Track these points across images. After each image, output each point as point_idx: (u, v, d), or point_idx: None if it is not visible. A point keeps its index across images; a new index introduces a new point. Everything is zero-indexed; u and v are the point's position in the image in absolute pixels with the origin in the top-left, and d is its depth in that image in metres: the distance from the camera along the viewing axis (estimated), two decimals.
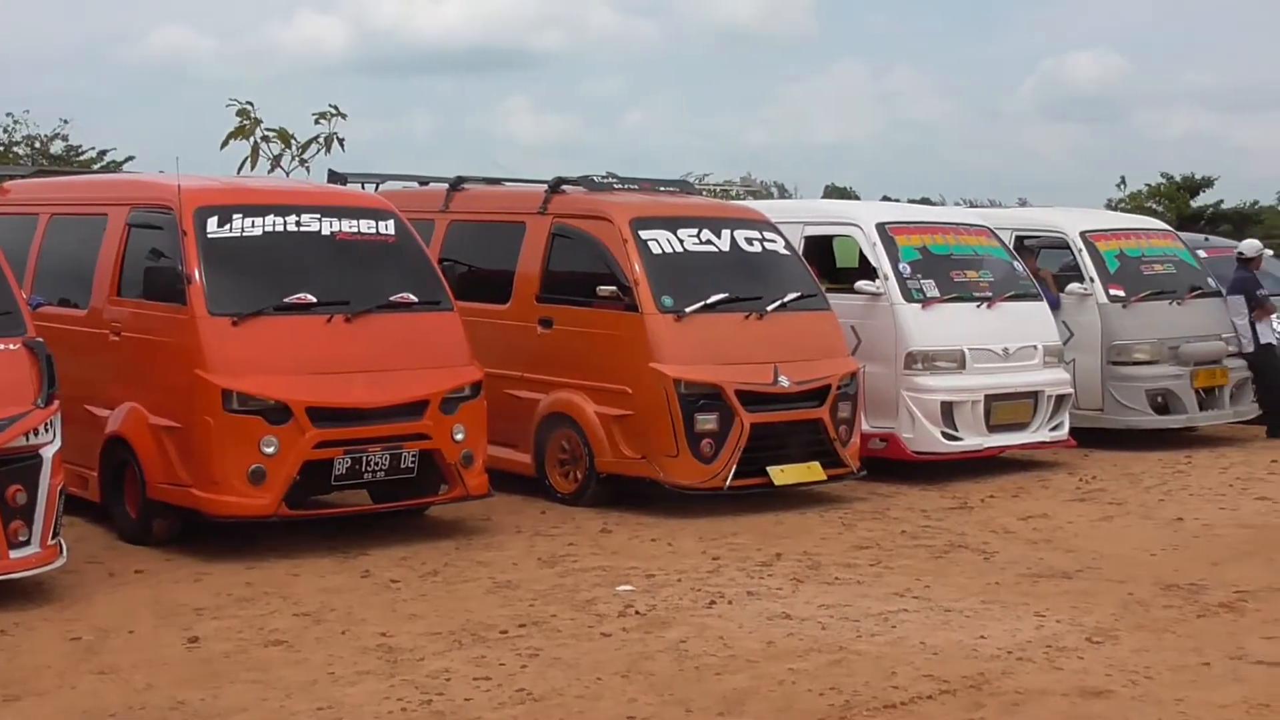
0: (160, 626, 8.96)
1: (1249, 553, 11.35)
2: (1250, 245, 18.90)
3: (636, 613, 9.26)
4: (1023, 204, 39.33)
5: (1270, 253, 20.85)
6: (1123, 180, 59.29)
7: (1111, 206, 50.05)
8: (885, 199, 43.00)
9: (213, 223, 11.16)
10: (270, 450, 10.60)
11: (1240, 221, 56.83)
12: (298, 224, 11.55)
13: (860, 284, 14.82)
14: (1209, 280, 18.08)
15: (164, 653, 8.41)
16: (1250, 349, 17.72)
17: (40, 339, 9.78)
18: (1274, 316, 18.06)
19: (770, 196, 48.37)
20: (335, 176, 15.20)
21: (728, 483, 12.56)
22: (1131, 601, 9.65)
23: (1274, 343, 17.94)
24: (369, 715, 7.34)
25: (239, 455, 10.57)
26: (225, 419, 10.58)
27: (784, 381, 12.84)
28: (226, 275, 11.03)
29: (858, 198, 53.41)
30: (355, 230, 11.80)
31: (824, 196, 55.28)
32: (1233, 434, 17.96)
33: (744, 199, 20.86)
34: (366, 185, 14.93)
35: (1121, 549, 11.44)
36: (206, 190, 11.65)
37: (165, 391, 10.96)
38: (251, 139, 20.01)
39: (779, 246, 13.96)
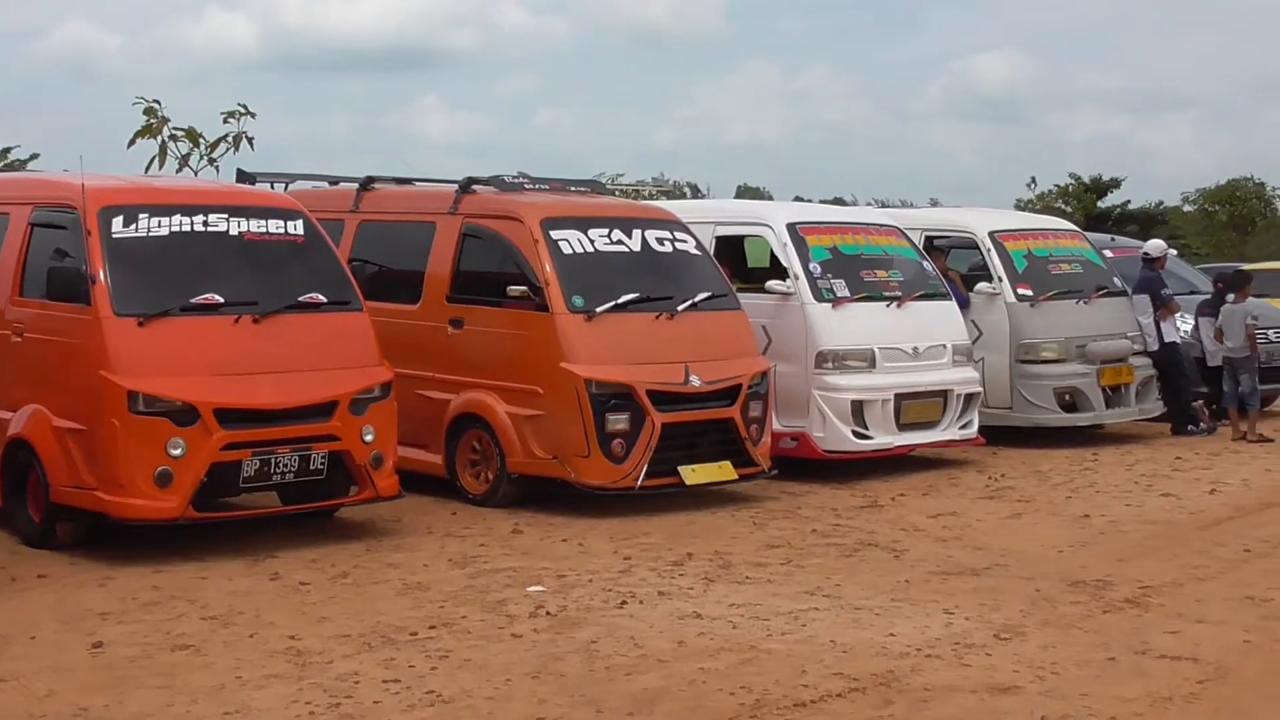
0: (63, 632, 8.85)
1: (1153, 549, 11.47)
2: (1155, 245, 19.14)
3: (547, 613, 9.24)
4: (934, 204, 39.63)
5: (1174, 253, 21.18)
6: (1033, 180, 59.98)
7: (1020, 207, 50.56)
8: (798, 199, 43.20)
9: (118, 222, 11.04)
10: (177, 452, 10.49)
11: (1146, 222, 57.58)
12: (205, 224, 11.44)
13: (771, 284, 14.86)
14: (1115, 280, 18.30)
15: (67, 659, 8.30)
16: (1155, 347, 17.96)
17: None
18: (1178, 315, 18.31)
19: (683, 196, 48.49)
20: (244, 176, 15.08)
21: (639, 482, 12.55)
22: (1039, 598, 9.72)
23: (1178, 341, 18.20)
24: (276, 719, 7.28)
25: (145, 457, 10.45)
26: (131, 421, 10.46)
27: (695, 381, 12.84)
28: (132, 275, 10.91)
29: (771, 198, 53.64)
30: (263, 230, 11.70)
31: (736, 196, 55.51)
32: (1138, 431, 18.16)
33: (656, 199, 20.89)
34: (275, 185, 14.85)
35: (1029, 546, 11.53)
36: (112, 189, 11.50)
37: (69, 393, 10.82)
38: (159, 138, 19.81)
39: (690, 246, 13.97)
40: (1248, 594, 9.88)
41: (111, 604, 9.49)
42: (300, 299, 11.48)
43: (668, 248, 13.77)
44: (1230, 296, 17.97)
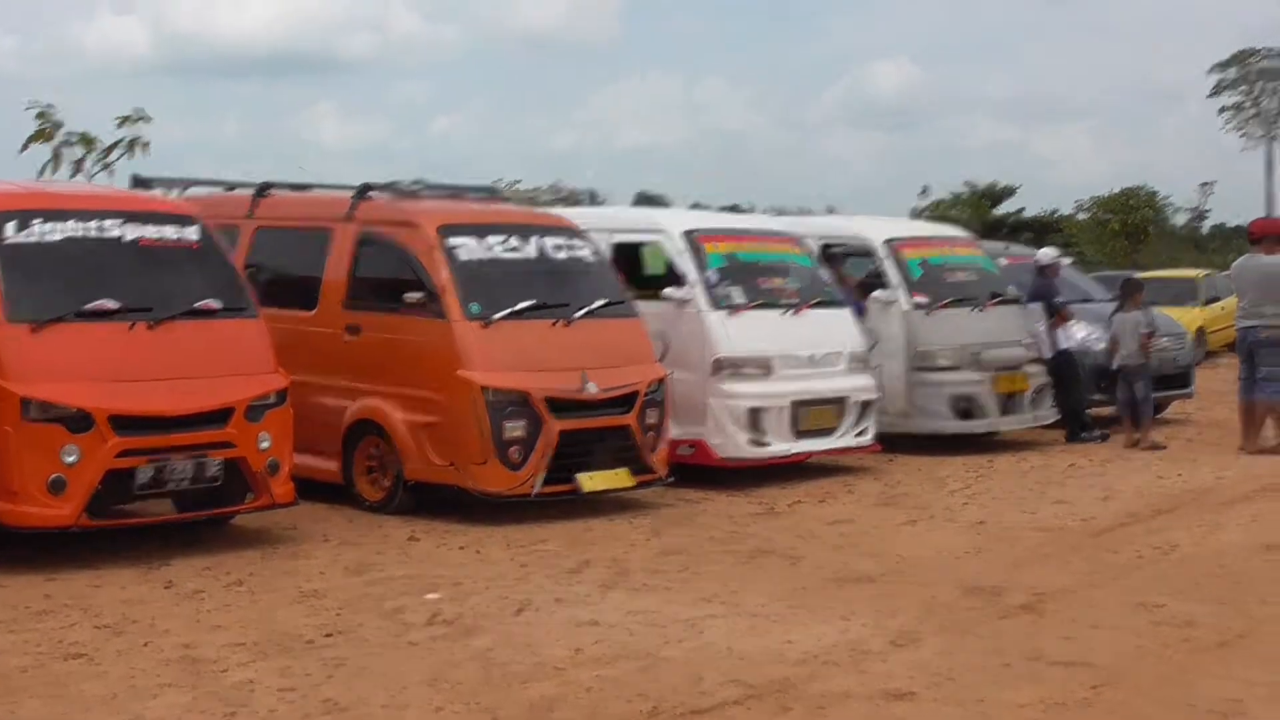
0: None
1: (1047, 555, 11.58)
2: (1046, 254, 19.39)
3: (444, 621, 9.22)
4: (831, 212, 39.91)
5: (1067, 261, 21.42)
6: (924, 189, 60.60)
7: (916, 215, 50.98)
8: (696, 206, 43.35)
9: (11, 227, 10.91)
10: (71, 459, 10.39)
11: (1041, 230, 58.30)
12: (99, 229, 11.33)
13: (668, 291, 14.88)
14: (1009, 288, 18.46)
15: None
16: (1049, 355, 18.15)
17: None
18: (1071, 323, 18.51)
19: (582, 203, 48.48)
20: (139, 181, 14.96)
21: (536, 489, 12.54)
22: (935, 604, 9.79)
23: (1072, 349, 18.39)
24: None
25: (38, 464, 10.34)
26: (24, 428, 10.34)
27: (591, 388, 12.85)
28: (26, 281, 10.78)
29: (670, 204, 53.74)
30: (158, 236, 11.61)
31: (636, 203, 55.52)
32: (1033, 438, 18.32)
33: (554, 205, 20.88)
34: (171, 190, 14.70)
35: (925, 552, 11.61)
36: (4, 194, 11.39)
37: None
38: (53, 142, 19.60)
39: (587, 254, 13.98)
40: (1140, 600, 9.98)
41: (2, 613, 9.35)
42: (195, 305, 11.40)
43: (564, 255, 13.77)
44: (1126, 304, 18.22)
